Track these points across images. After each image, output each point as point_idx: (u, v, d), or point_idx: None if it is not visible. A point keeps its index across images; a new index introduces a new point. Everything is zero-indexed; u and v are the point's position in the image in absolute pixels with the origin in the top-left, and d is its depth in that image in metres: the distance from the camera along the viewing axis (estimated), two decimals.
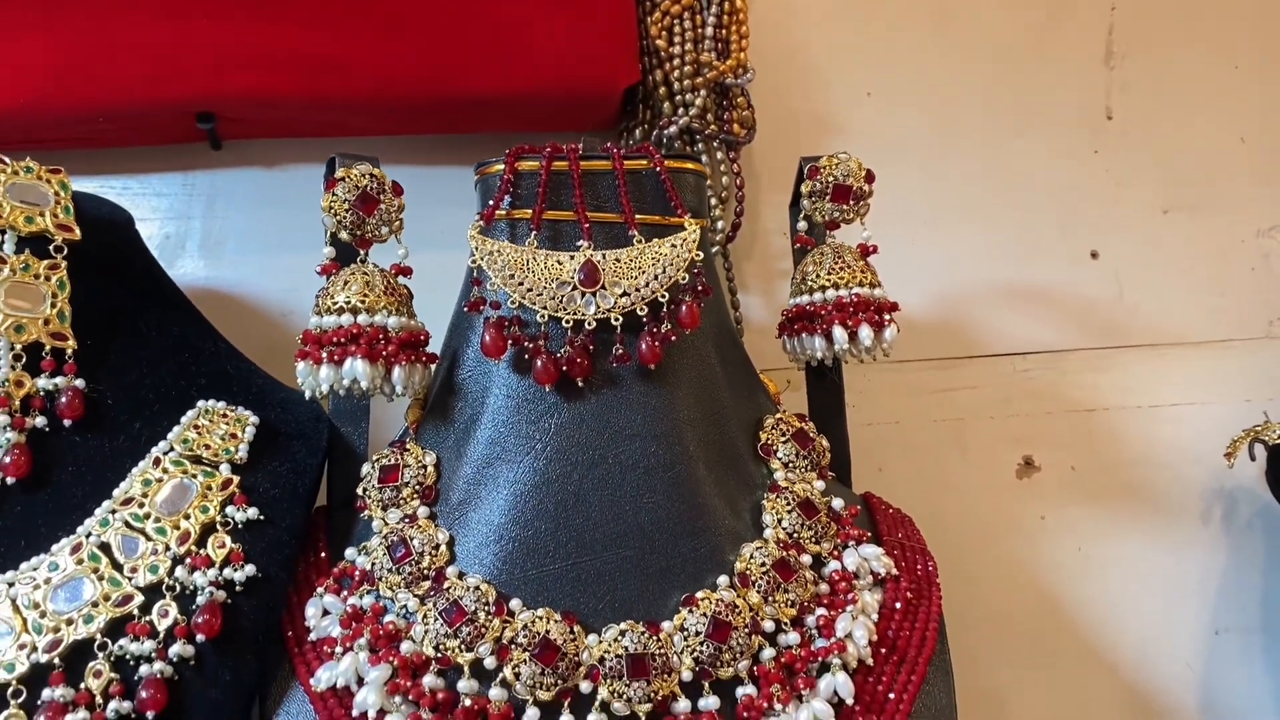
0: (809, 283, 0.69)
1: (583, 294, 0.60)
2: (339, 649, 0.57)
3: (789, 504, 0.63)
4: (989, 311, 0.92)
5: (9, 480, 0.57)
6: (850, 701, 0.57)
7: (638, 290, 0.60)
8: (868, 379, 0.90)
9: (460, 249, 0.64)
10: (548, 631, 0.56)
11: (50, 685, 0.53)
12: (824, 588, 0.61)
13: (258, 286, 0.84)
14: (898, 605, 0.62)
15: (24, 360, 0.59)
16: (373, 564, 0.60)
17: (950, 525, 0.88)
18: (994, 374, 0.91)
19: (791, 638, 0.59)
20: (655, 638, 0.57)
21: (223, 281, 0.84)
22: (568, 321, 0.60)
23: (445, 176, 0.85)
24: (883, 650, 0.60)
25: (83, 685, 0.54)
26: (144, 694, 0.54)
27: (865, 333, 0.67)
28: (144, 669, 0.54)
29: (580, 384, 0.61)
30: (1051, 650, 0.88)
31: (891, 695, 0.58)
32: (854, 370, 0.88)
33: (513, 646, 0.56)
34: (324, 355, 0.60)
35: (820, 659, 0.58)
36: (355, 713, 0.55)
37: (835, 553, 0.63)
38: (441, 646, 0.56)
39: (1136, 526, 0.91)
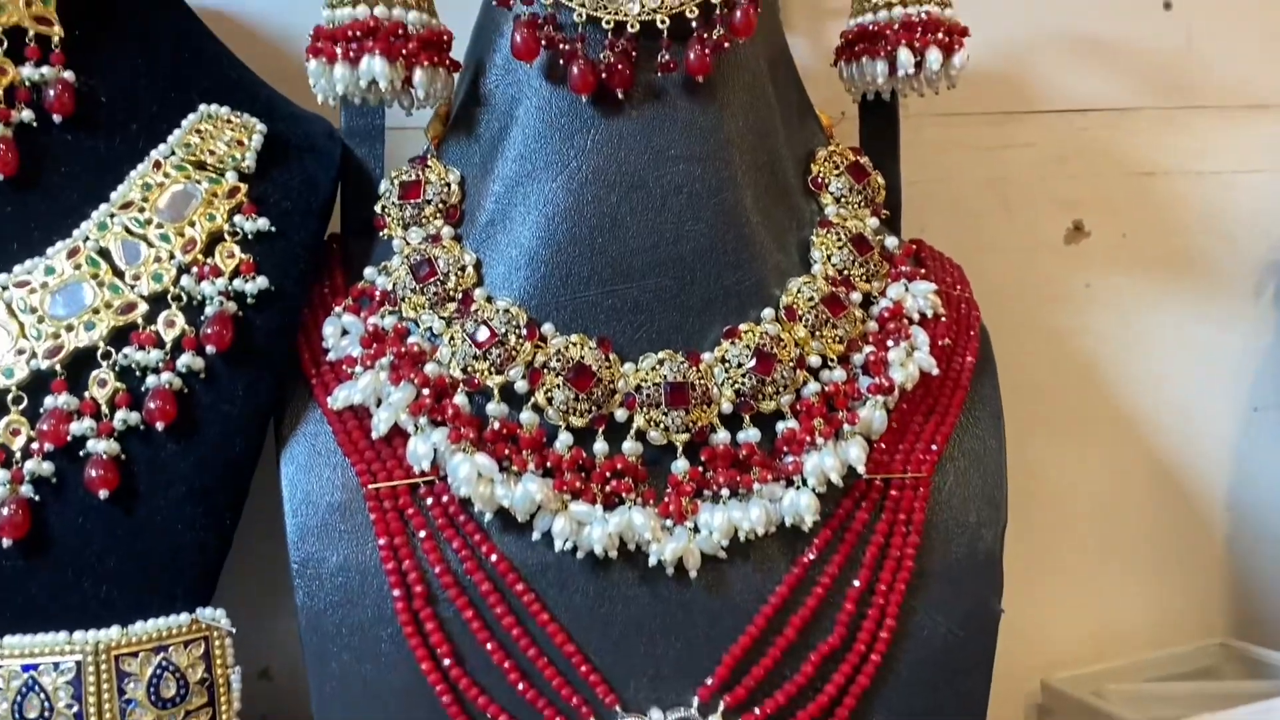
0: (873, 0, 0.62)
1: None
2: (358, 369, 0.54)
3: (840, 240, 0.58)
4: (1048, 63, 0.85)
5: None
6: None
7: None
8: (915, 133, 0.84)
9: None
10: (582, 357, 0.53)
11: (53, 392, 0.50)
12: (872, 325, 0.58)
13: (262, 10, 0.77)
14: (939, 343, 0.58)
15: (4, 46, 0.53)
16: (394, 284, 0.56)
17: (993, 289, 0.81)
18: (1050, 131, 0.85)
19: (837, 374, 0.55)
20: (695, 368, 0.54)
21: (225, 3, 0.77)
22: (608, 22, 0.53)
23: None
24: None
25: (87, 394, 0.50)
26: (152, 405, 0.50)
27: (934, 56, 0.61)
28: (151, 380, 0.51)
29: (620, 96, 0.55)
30: (1086, 420, 0.86)
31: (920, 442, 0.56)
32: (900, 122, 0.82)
33: (545, 371, 0.53)
34: (338, 52, 0.54)
35: (867, 395, 0.55)
36: (374, 435, 0.53)
37: (885, 292, 0.59)
38: (470, 369, 0.53)
39: (1183, 298, 0.87)
